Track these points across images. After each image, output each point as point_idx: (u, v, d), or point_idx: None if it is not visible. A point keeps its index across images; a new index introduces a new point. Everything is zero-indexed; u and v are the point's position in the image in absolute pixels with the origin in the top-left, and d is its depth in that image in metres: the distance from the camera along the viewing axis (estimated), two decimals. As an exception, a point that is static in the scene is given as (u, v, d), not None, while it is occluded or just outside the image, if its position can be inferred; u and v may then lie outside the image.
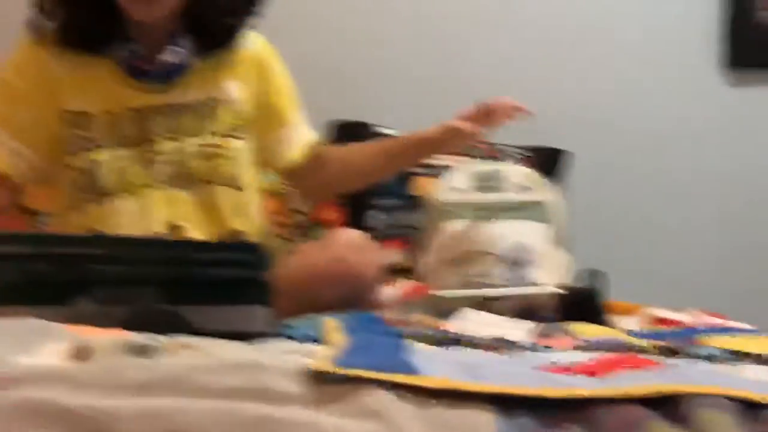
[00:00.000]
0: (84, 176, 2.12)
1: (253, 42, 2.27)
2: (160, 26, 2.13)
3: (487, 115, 2.34)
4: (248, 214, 2.20)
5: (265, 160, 2.32)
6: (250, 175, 2.24)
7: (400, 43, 3.19)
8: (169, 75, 2.15)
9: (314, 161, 2.36)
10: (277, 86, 2.30)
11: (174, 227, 2.11)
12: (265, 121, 2.28)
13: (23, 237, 1.57)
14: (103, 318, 1.59)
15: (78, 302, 1.61)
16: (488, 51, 3.20)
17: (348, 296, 1.97)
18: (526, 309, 2.01)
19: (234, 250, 1.64)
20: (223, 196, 2.16)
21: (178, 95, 2.17)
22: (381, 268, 2.10)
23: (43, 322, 1.41)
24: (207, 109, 2.18)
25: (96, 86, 2.14)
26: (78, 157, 2.13)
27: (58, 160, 2.15)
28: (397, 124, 3.03)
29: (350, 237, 2.07)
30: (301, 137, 2.35)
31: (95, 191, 2.12)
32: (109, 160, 2.12)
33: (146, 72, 2.14)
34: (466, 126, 2.32)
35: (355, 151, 2.42)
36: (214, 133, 2.17)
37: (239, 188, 2.19)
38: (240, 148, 2.20)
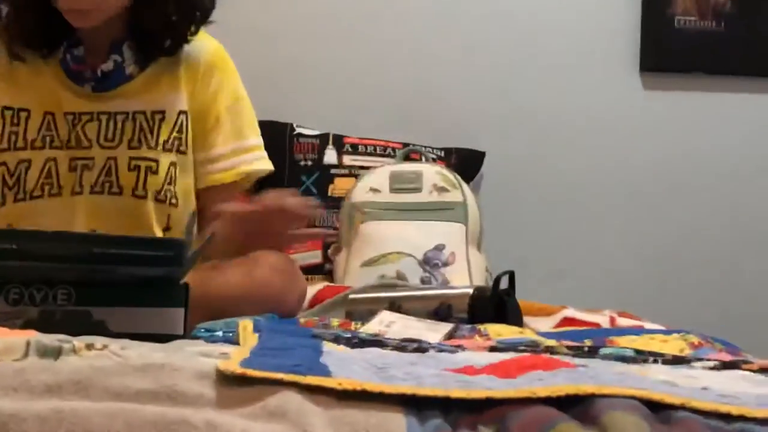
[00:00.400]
0: (11, 174, 2.10)
1: (205, 51, 2.21)
2: (103, 32, 2.09)
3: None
4: (180, 229, 2.14)
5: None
6: (188, 190, 2.19)
7: (322, 43, 3.19)
8: (107, 83, 2.12)
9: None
10: (220, 103, 2.21)
11: None
12: (199, 136, 2.20)
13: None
14: (14, 318, 1.57)
15: (-13, 302, 1.59)
16: (407, 51, 3.21)
17: None
18: (441, 310, 2.01)
19: (154, 246, 1.62)
20: (153, 210, 2.12)
21: (118, 104, 2.12)
22: (304, 294, 2.07)
23: (-51, 323, 1.40)
24: (146, 120, 2.13)
25: (38, 85, 2.12)
26: (8, 155, 2.10)
27: None
28: (319, 125, 3.03)
29: (274, 260, 2.00)
30: (234, 162, 2.22)
31: (21, 190, 2.09)
32: (38, 161, 2.10)
33: (86, 77, 2.11)
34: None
35: None
36: (151, 146, 2.12)
37: (171, 204, 2.14)
38: (178, 162, 2.15)
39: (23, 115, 2.11)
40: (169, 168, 2.14)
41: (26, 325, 1.54)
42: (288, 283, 1.98)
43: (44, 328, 1.47)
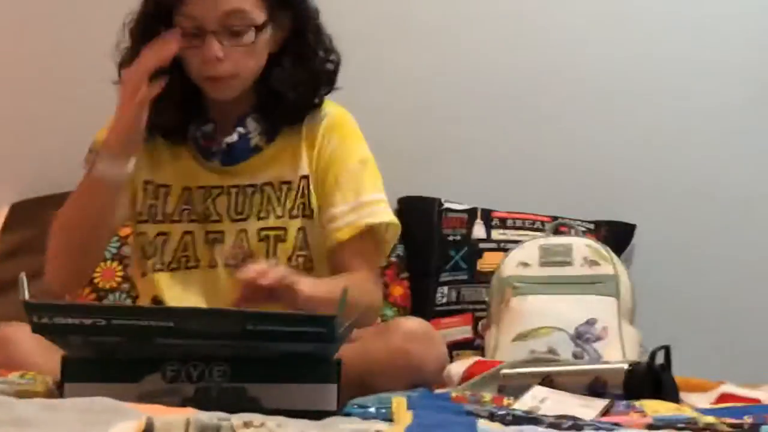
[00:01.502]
0: (152, 246, 2.17)
1: (327, 114, 2.23)
2: (231, 108, 2.15)
3: None
4: None
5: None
6: (323, 251, 2.19)
7: (470, 118, 3.19)
8: (235, 157, 2.17)
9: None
10: (339, 164, 2.21)
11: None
12: (319, 198, 2.21)
13: (93, 308, 1.59)
14: (172, 395, 1.60)
15: (147, 379, 1.62)
16: (554, 124, 3.19)
17: (408, 389, 1.91)
18: (594, 385, 1.98)
19: (306, 322, 1.63)
20: None
21: (246, 176, 2.18)
22: (444, 359, 2.06)
23: (113, 401, 1.43)
24: (274, 191, 2.18)
25: (175, 162, 2.20)
26: (149, 227, 2.18)
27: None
28: (467, 199, 3.03)
29: (413, 327, 2.00)
30: (351, 218, 2.19)
31: (160, 261, 2.16)
32: (176, 234, 2.17)
33: (214, 152, 2.16)
34: None
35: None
36: (278, 216, 2.16)
37: (307, 268, 2.16)
38: (306, 226, 2.17)
39: (163, 190, 2.19)
40: (297, 234, 2.17)
41: (184, 403, 1.57)
42: (426, 350, 1.97)
43: (201, 405, 1.49)
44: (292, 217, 2.17)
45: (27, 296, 1.59)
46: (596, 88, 3.21)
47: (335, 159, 2.21)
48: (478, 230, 2.98)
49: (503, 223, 2.99)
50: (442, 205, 3.03)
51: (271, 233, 2.16)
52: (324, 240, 2.20)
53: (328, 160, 2.21)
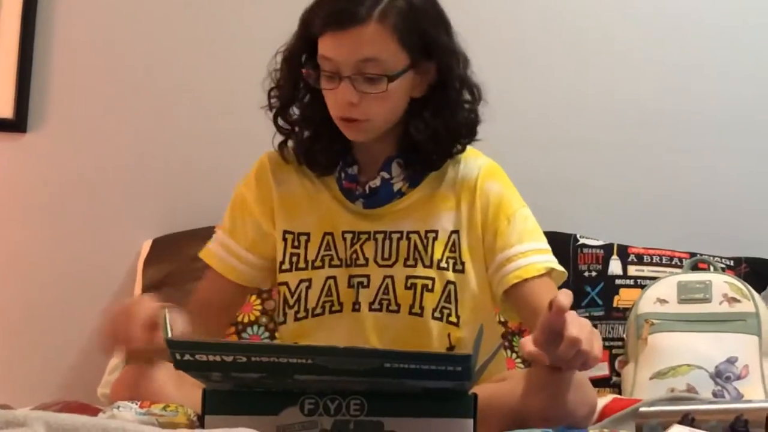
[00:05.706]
0: (292, 293, 2.17)
1: (479, 167, 2.21)
2: (376, 151, 2.16)
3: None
4: (463, 348, 2.13)
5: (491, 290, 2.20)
6: (476, 309, 2.17)
7: (605, 155, 3.17)
8: (376, 199, 2.16)
9: (521, 300, 2.14)
10: (506, 208, 2.17)
11: None
12: (492, 244, 2.17)
13: (233, 346, 1.61)
14: (310, 428, 1.61)
15: (285, 412, 1.63)
16: (693, 159, 3.15)
17: None
18: (736, 425, 1.94)
19: (442, 361, 1.63)
20: (432, 328, 2.13)
21: (391, 223, 2.16)
22: (594, 404, 2.03)
23: (253, 432, 1.45)
24: (420, 239, 2.16)
25: (316, 209, 2.19)
26: (290, 275, 2.18)
27: (272, 276, 2.22)
28: (603, 235, 3.00)
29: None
30: (534, 260, 2.15)
31: (303, 309, 2.16)
32: (318, 280, 2.16)
33: (357, 195, 2.17)
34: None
35: None
36: (426, 265, 2.14)
37: (450, 322, 2.14)
38: (457, 282, 2.15)
39: (303, 238, 2.18)
40: (446, 287, 2.15)
41: (333, 436, 1.59)
42: (578, 397, 1.95)
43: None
44: (440, 268, 2.15)
45: (169, 334, 1.62)
46: (738, 121, 3.16)
47: (503, 204, 2.18)
48: (615, 266, 2.96)
49: (640, 260, 2.96)
50: (578, 240, 3.01)
51: (418, 282, 2.13)
52: (501, 281, 2.15)
53: (496, 207, 2.17)
